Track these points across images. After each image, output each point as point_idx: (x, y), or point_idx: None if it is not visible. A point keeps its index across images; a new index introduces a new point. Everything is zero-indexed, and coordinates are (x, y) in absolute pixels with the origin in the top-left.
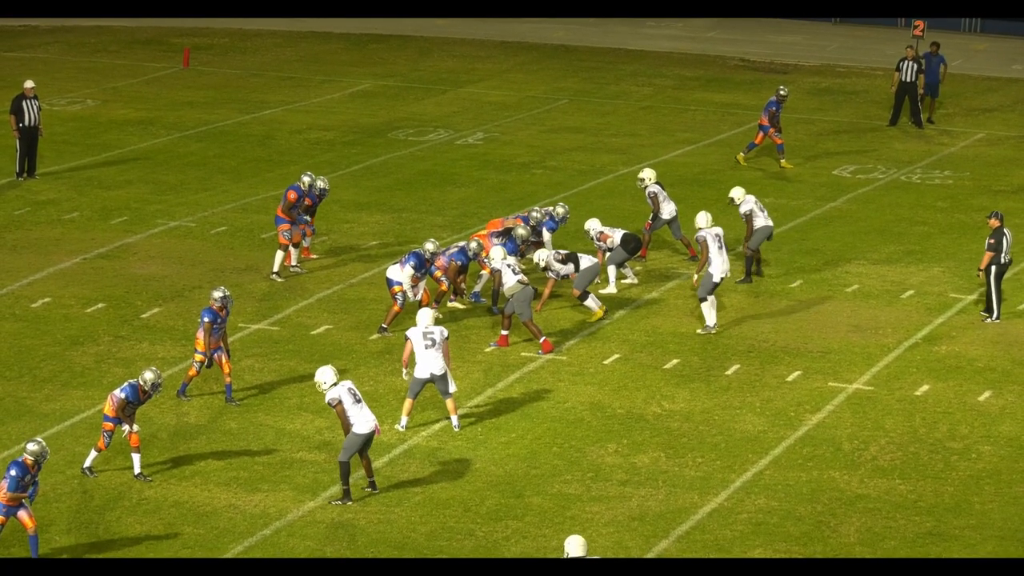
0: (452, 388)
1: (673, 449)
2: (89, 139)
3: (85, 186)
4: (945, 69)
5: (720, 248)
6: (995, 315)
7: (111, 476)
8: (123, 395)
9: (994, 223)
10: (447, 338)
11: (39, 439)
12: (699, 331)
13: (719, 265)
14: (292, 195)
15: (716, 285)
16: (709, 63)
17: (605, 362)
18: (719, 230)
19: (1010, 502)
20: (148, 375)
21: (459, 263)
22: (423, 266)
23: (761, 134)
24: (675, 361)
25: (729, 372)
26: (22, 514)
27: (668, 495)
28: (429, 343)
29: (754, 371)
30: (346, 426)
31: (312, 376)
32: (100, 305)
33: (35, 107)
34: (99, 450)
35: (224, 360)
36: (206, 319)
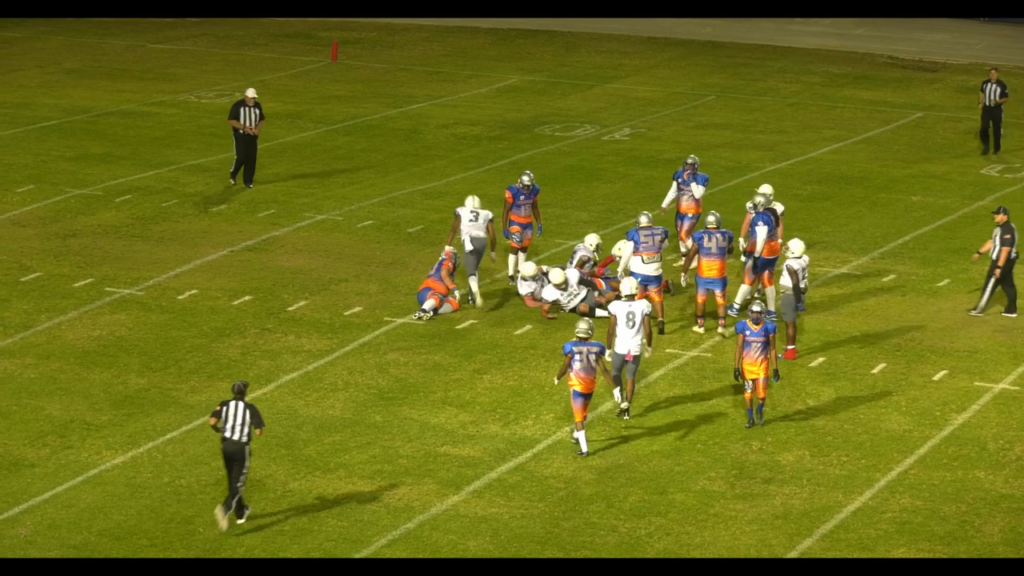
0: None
1: (818, 447)
2: None
3: None
4: None
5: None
6: (980, 308)
7: (254, 468)
8: None
9: (1001, 218)
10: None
11: None
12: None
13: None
14: (508, 196)
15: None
16: (857, 60)
17: None
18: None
19: None
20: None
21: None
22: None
23: None
24: (821, 359)
25: (875, 371)
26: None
27: (812, 493)
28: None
29: (900, 370)
30: (609, 340)
31: (443, 367)
32: (247, 297)
33: (254, 115)
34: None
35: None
36: (508, 193)
